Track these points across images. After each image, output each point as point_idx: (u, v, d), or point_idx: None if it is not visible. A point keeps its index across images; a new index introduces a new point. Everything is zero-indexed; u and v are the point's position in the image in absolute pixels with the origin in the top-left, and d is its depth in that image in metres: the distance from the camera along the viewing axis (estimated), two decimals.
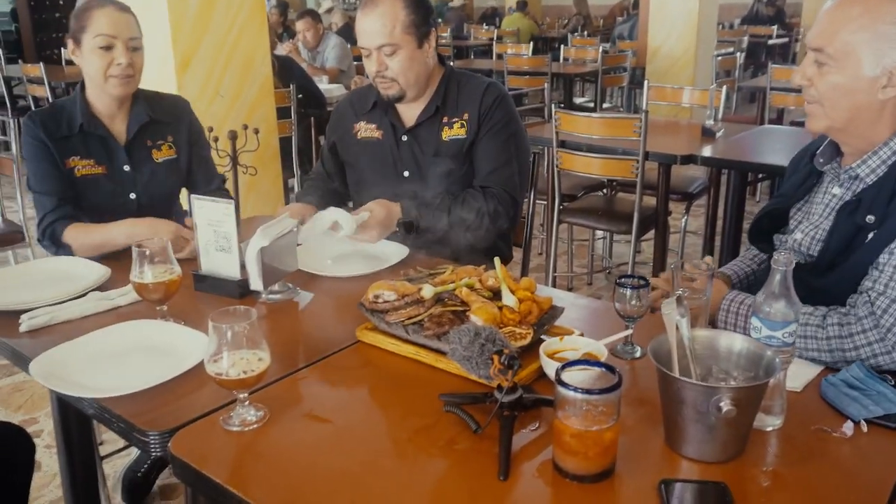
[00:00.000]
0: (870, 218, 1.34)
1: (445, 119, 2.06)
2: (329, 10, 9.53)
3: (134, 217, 2.03)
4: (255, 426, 1.17)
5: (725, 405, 0.99)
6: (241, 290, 1.66)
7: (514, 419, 1.11)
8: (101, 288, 1.71)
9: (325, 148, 2.28)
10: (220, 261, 1.69)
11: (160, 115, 2.12)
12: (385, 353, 1.40)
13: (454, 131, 2.05)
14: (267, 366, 1.17)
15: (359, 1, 2.11)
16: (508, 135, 2.05)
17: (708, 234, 3.72)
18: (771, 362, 1.06)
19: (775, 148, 3.34)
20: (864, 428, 1.12)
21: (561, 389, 0.99)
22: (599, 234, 4.19)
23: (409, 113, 2.09)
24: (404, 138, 2.09)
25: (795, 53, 9.62)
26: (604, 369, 1.03)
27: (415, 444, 1.13)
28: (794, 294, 1.10)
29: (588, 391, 0.98)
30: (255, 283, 1.60)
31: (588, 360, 1.07)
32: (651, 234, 3.45)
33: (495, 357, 1.12)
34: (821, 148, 1.51)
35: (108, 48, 1.93)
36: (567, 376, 1.01)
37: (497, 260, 1.45)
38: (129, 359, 1.38)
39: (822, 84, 1.36)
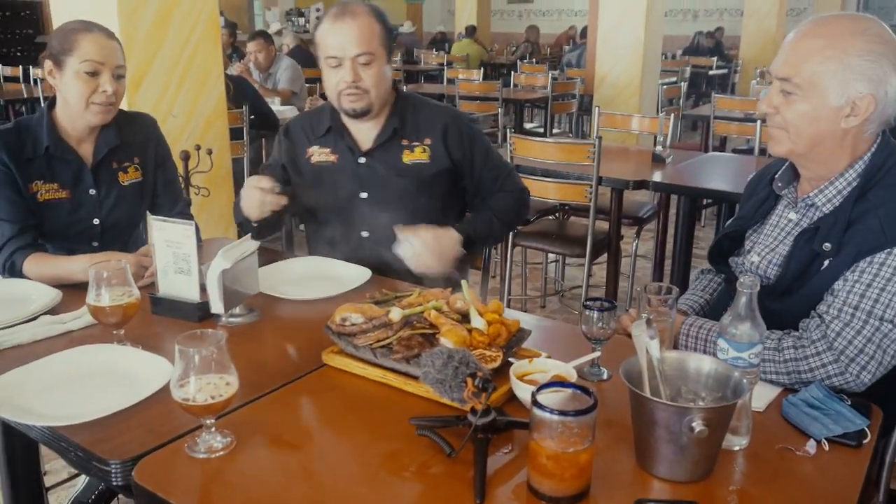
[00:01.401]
0: (827, 245, 1.39)
1: (405, 142, 2.06)
2: (279, 32, 9.50)
3: (97, 241, 1.98)
4: (221, 453, 1.14)
5: (698, 425, 1.01)
6: (200, 314, 1.62)
7: (488, 442, 1.10)
8: (52, 311, 1.65)
9: (273, 165, 2.19)
10: (178, 283, 1.65)
11: (129, 137, 2.05)
12: (352, 377, 1.38)
13: (415, 155, 2.05)
14: (235, 391, 1.14)
15: (318, 18, 2.09)
16: (487, 148, 2.13)
17: (658, 258, 3.81)
18: (739, 383, 1.09)
19: (723, 174, 3.45)
20: (826, 446, 1.15)
21: (537, 411, 1.00)
22: (552, 257, 4.24)
23: (365, 135, 2.07)
24: (362, 160, 2.06)
25: (735, 84, 9.97)
26: (579, 391, 1.04)
27: (387, 470, 1.11)
28: (758, 316, 1.13)
29: (564, 413, 0.99)
30: (216, 307, 1.57)
31: (563, 382, 1.08)
32: (602, 257, 3.51)
33: (469, 380, 1.12)
34: (779, 172, 1.57)
35: (95, 74, 1.87)
36: (542, 398, 1.01)
37: (464, 283, 1.45)
38: (85, 385, 1.33)
39: (788, 112, 1.41)
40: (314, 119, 2.16)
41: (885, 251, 1.33)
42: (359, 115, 1.99)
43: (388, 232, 1.89)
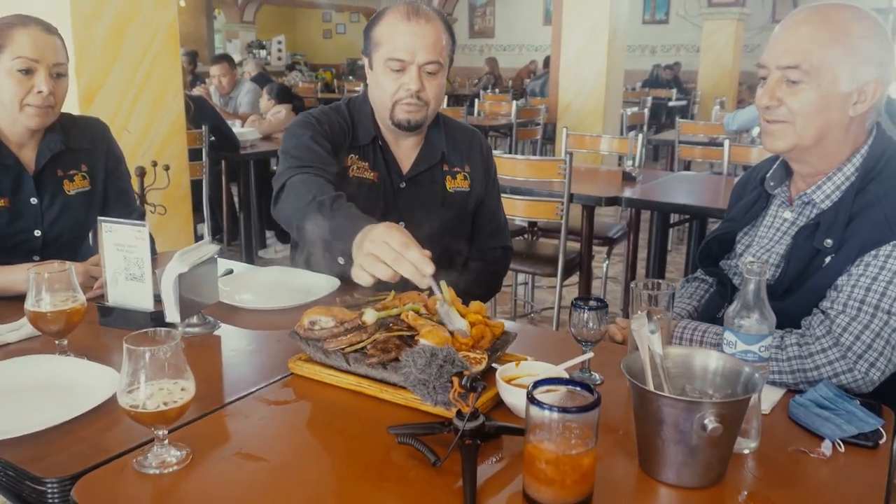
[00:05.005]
0: (828, 242, 1.32)
1: (446, 167, 1.87)
2: (240, 63, 9.41)
3: (38, 254, 1.83)
4: (175, 468, 1.00)
5: (711, 422, 0.91)
6: (154, 324, 1.48)
7: (477, 448, 0.99)
8: None
9: (319, 144, 1.72)
10: (130, 291, 1.51)
11: (75, 142, 1.90)
12: (323, 386, 1.26)
13: (458, 183, 1.88)
14: (191, 396, 1.01)
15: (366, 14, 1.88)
16: (498, 184, 2.03)
17: (628, 278, 3.75)
18: (750, 378, 1.00)
19: (694, 191, 3.42)
20: (841, 448, 1.07)
21: (535, 409, 0.89)
22: (521, 279, 4.16)
23: (405, 154, 1.85)
24: (402, 185, 1.83)
25: (694, 115, 10.14)
26: (578, 388, 0.94)
27: (364, 482, 0.99)
28: (768, 306, 1.05)
29: (565, 409, 0.89)
30: (172, 315, 1.43)
31: (561, 379, 0.97)
32: (572, 279, 3.43)
33: (455, 379, 1.01)
34: (770, 171, 1.50)
35: (29, 72, 1.72)
36: (540, 395, 0.91)
37: (443, 283, 1.34)
38: (21, 399, 1.19)
39: (794, 102, 1.33)
40: (350, 123, 1.84)
41: (891, 243, 1.26)
42: (411, 128, 1.77)
43: None
